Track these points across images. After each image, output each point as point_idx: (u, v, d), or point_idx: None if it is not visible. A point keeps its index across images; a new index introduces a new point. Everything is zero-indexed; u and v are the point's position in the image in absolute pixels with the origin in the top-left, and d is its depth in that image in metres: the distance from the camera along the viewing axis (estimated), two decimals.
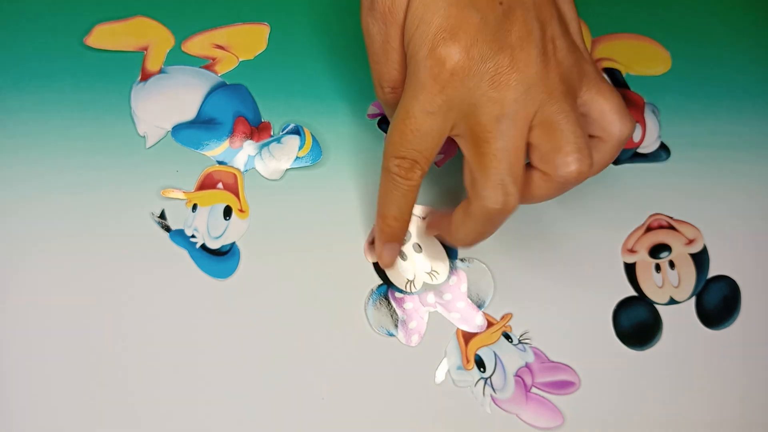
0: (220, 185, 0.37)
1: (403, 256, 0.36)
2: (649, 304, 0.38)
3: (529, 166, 0.29)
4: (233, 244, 0.36)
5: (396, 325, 0.36)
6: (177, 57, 0.38)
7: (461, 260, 0.37)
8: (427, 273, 0.36)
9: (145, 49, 0.38)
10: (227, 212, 0.36)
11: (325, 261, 0.36)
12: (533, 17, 0.27)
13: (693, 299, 0.38)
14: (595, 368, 0.36)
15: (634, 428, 0.36)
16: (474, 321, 0.36)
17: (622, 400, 0.36)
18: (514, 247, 0.38)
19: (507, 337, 0.37)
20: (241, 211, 0.36)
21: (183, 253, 0.36)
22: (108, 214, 0.36)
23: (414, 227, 0.37)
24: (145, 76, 0.37)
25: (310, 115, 0.38)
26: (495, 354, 0.36)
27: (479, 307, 0.36)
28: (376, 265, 0.36)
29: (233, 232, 0.36)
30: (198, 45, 0.38)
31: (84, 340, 0.34)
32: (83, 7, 0.38)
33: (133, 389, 0.34)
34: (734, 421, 0.37)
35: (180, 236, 0.36)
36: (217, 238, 0.36)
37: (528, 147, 0.28)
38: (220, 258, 0.36)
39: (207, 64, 0.38)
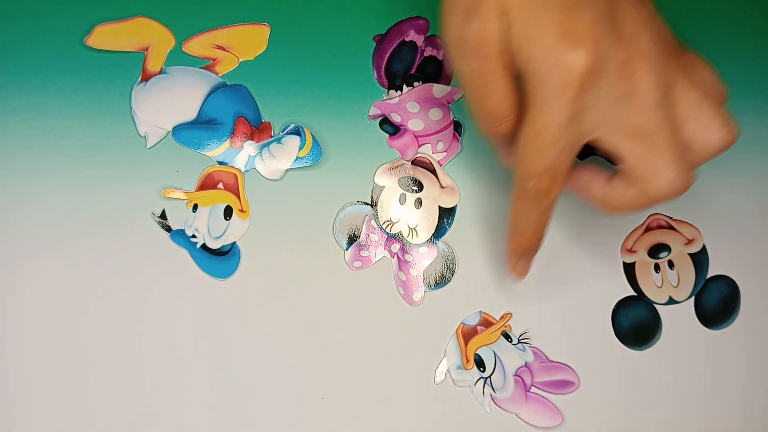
0: (220, 185, 0.37)
1: (402, 198, 0.36)
2: (649, 304, 0.38)
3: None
4: (234, 244, 0.36)
5: (351, 242, 0.36)
6: (177, 57, 0.38)
7: (444, 243, 0.37)
8: (409, 227, 0.36)
9: (146, 49, 0.38)
10: (228, 212, 0.36)
11: (325, 261, 0.36)
12: (636, 8, 0.27)
13: (692, 299, 0.38)
14: (594, 368, 0.37)
15: (633, 428, 0.36)
16: (412, 294, 0.36)
17: (622, 399, 0.36)
18: None
19: (506, 336, 0.37)
20: (241, 211, 0.36)
21: (183, 253, 0.36)
22: (108, 214, 0.36)
23: (427, 185, 0.37)
24: (146, 77, 0.37)
25: (310, 116, 0.38)
26: (494, 353, 0.36)
27: (429, 287, 0.37)
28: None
29: (234, 232, 0.36)
30: (198, 45, 0.38)
31: (84, 340, 0.34)
32: (84, 8, 0.38)
33: (132, 388, 0.34)
34: (733, 420, 0.37)
35: (180, 236, 0.36)
36: (218, 238, 0.36)
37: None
38: (220, 258, 0.36)
39: (207, 64, 0.38)
